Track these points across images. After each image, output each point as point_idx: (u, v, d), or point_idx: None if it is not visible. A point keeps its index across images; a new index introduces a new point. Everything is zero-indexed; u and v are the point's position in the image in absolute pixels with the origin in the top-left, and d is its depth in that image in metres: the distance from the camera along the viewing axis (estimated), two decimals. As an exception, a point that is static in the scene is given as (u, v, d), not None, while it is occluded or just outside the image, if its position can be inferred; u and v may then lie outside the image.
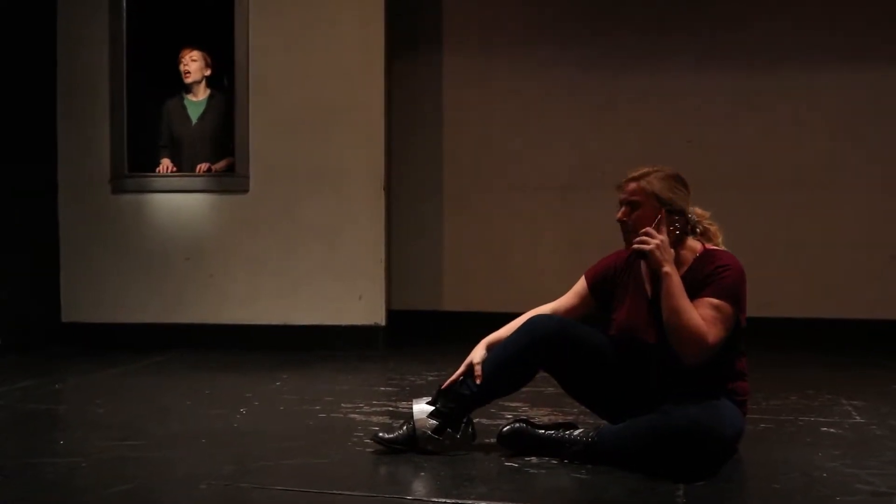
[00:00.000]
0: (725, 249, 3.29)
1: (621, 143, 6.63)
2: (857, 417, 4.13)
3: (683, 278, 3.16)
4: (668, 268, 3.10)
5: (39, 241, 6.33)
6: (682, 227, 3.24)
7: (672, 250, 3.17)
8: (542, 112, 6.79)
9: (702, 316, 3.07)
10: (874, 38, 6.52)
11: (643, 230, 3.16)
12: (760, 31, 6.63)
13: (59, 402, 4.69)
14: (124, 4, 6.37)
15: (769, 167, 6.61)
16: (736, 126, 6.65)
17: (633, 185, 3.24)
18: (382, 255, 6.29)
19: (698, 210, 3.32)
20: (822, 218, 6.58)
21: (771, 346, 6.03)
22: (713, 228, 3.33)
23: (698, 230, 3.31)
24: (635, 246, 3.16)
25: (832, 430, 3.88)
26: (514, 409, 4.16)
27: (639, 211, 3.21)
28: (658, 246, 3.12)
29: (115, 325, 6.37)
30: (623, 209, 3.25)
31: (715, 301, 3.11)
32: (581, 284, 3.50)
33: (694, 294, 3.12)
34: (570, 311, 3.48)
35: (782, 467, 3.26)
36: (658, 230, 3.16)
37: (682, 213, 3.24)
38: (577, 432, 3.30)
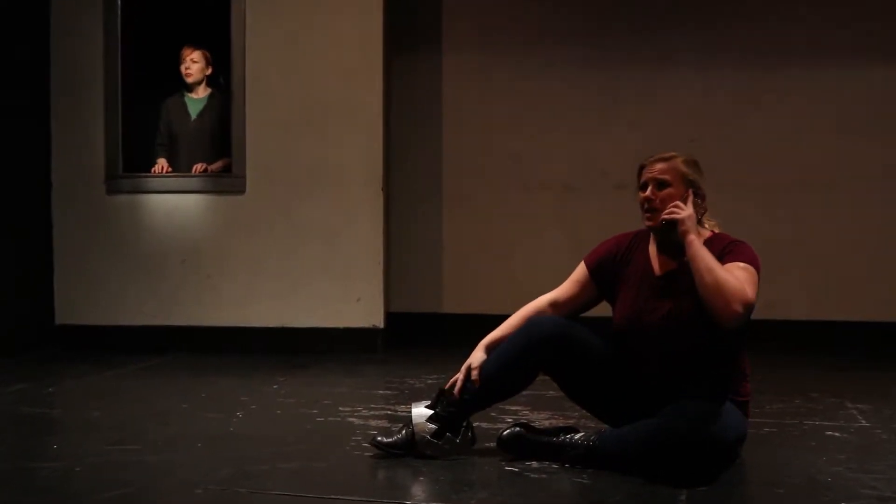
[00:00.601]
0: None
1: (623, 142, 6.63)
2: (863, 421, 4.14)
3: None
4: (693, 235, 3.18)
5: (33, 242, 6.34)
6: (702, 212, 3.32)
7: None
8: (543, 110, 6.80)
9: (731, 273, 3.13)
10: (882, 34, 6.52)
11: (673, 203, 3.24)
12: (765, 27, 6.63)
13: (53, 405, 4.69)
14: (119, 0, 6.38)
15: (774, 166, 6.62)
16: (740, 124, 6.65)
17: (662, 165, 3.31)
18: (381, 257, 6.30)
19: None
20: (828, 218, 6.58)
21: (774, 348, 6.04)
22: (712, 223, 3.42)
23: (706, 224, 3.37)
24: (666, 215, 3.23)
25: (837, 433, 3.89)
26: (515, 412, 4.17)
27: (667, 189, 3.28)
28: (689, 215, 3.21)
29: (110, 327, 6.38)
30: (650, 188, 3.30)
31: (741, 264, 3.17)
32: (581, 271, 3.49)
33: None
34: (571, 300, 3.47)
35: (786, 471, 3.27)
36: (687, 205, 3.25)
37: (704, 199, 3.33)
38: (577, 436, 3.32)
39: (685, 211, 3.21)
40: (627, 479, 3.12)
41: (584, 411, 3.64)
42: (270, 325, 6.32)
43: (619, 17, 6.75)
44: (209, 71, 6.42)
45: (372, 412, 4.32)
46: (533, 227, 6.80)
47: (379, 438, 3.44)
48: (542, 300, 3.50)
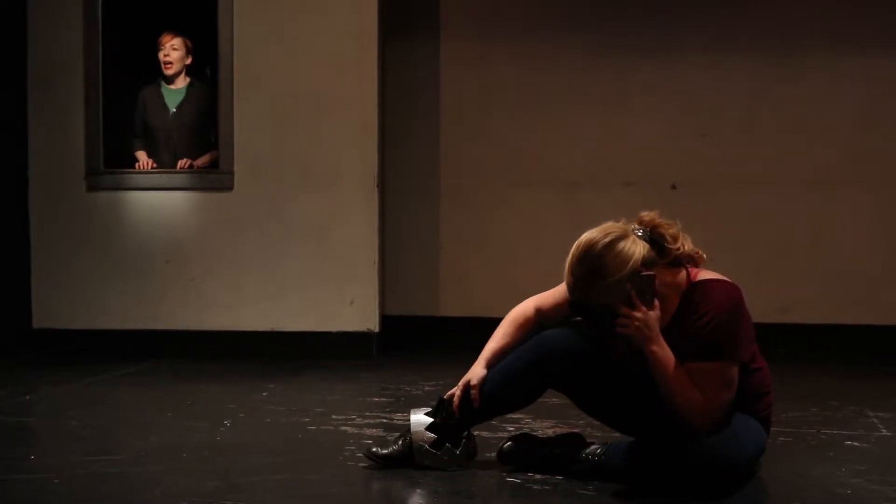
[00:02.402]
0: (712, 278, 3.15)
1: (631, 136, 6.64)
2: (884, 430, 4.14)
3: (671, 331, 3.07)
4: (654, 346, 3.03)
5: (8, 242, 6.33)
6: (651, 281, 3.03)
7: (654, 314, 3.03)
8: (546, 102, 6.79)
9: (698, 384, 3.03)
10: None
11: (622, 314, 3.03)
12: (780, 15, 6.62)
13: (29, 413, 4.69)
14: (100, -13, 6.38)
15: (790, 161, 6.61)
16: (754, 117, 6.65)
17: (589, 291, 3.05)
18: (375, 257, 6.30)
19: (645, 216, 3.15)
20: (847, 216, 6.58)
21: (790, 353, 6.03)
22: (670, 234, 3.13)
23: (668, 249, 3.12)
24: (619, 330, 3.06)
25: (856, 443, 3.89)
26: (517, 421, 4.16)
27: (610, 305, 3.05)
28: (638, 326, 3.01)
29: (90, 331, 6.37)
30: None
31: (706, 366, 3.04)
32: (563, 291, 3.37)
33: (688, 346, 3.06)
34: (552, 312, 3.41)
35: (802, 483, 3.27)
36: (636, 307, 3.02)
37: (651, 265, 3.05)
38: (585, 451, 3.29)
39: (632, 322, 3.01)
40: (636, 492, 3.11)
41: (589, 419, 3.63)
42: (259, 329, 6.32)
43: (627, 3, 6.74)
44: (189, 60, 6.40)
45: (366, 420, 4.31)
46: (535, 225, 6.80)
47: (374, 449, 3.43)
48: (528, 304, 3.47)
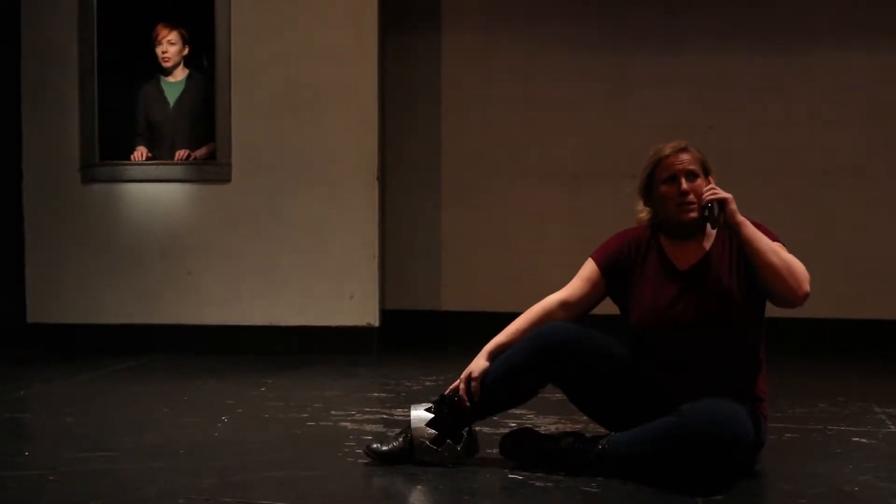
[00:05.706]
0: None
1: (635, 129, 6.63)
2: (892, 427, 4.14)
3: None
4: (740, 215, 3.22)
5: (2, 236, 6.34)
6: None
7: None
8: (550, 94, 6.79)
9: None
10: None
11: (708, 187, 3.26)
12: (787, 7, 6.63)
13: (24, 410, 4.70)
14: (94, -23, 6.37)
15: (798, 155, 6.62)
16: (760, 110, 6.65)
17: (687, 156, 3.33)
18: (376, 251, 6.30)
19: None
20: (855, 210, 6.59)
21: (797, 349, 6.05)
22: None
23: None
24: (711, 196, 3.22)
25: (864, 440, 3.90)
26: (519, 416, 4.17)
27: (698, 180, 3.31)
28: (727, 195, 3.22)
29: (86, 326, 6.38)
30: (683, 180, 3.30)
31: (778, 244, 3.26)
32: (591, 269, 3.45)
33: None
34: (583, 300, 3.43)
35: (808, 480, 3.27)
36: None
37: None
38: (586, 442, 3.31)
39: (723, 192, 3.25)
40: (639, 487, 3.12)
41: (592, 416, 3.64)
42: (257, 324, 6.32)
43: (632, -6, 6.75)
44: (186, 51, 6.40)
45: (366, 416, 4.32)
46: (538, 218, 6.80)
47: (374, 446, 3.44)
48: (552, 300, 3.47)
